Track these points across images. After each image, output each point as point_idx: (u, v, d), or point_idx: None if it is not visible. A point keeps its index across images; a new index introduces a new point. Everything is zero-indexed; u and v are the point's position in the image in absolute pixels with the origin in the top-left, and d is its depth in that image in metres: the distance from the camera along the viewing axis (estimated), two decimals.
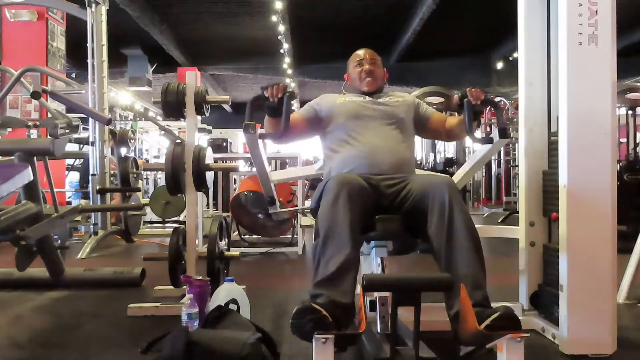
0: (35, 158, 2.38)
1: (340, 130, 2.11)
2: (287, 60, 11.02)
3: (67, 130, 2.55)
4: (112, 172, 4.76)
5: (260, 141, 1.98)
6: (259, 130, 1.94)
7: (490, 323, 1.46)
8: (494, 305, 1.58)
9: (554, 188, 1.95)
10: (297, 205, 4.27)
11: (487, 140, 2.02)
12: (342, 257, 1.60)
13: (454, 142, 8.30)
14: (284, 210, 2.54)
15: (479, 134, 2.04)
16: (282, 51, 10.43)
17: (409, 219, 1.81)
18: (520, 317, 1.49)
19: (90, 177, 4.60)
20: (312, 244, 1.73)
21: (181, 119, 2.63)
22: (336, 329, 1.45)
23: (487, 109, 8.11)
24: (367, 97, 2.19)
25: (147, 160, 9.24)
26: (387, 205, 1.85)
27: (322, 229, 1.67)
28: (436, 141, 8.21)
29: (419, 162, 7.69)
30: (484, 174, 11.00)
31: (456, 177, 2.32)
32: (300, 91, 13.60)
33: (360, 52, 2.27)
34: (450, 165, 6.50)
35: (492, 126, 9.23)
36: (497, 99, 8.12)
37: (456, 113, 2.66)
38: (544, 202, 2.12)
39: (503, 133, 1.95)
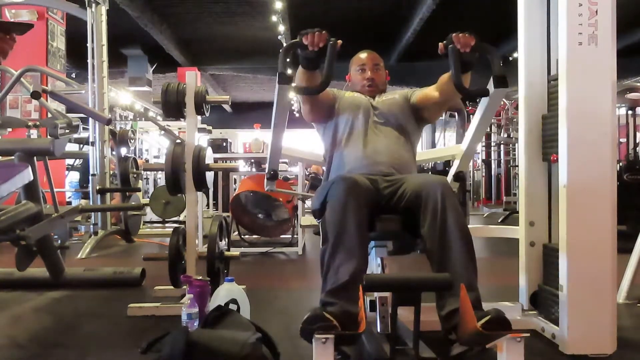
0: (35, 158, 2.38)
1: (342, 127, 2.12)
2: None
3: (67, 130, 2.55)
4: (112, 172, 4.76)
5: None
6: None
7: (482, 326, 1.45)
8: (492, 305, 1.58)
9: (554, 131, 1.93)
10: (296, 206, 4.27)
11: (482, 92, 1.79)
12: (353, 265, 1.59)
13: (454, 142, 8.30)
14: (281, 190, 2.43)
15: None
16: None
17: (407, 218, 1.81)
18: (520, 317, 1.49)
19: (90, 177, 4.60)
20: (321, 248, 1.70)
21: (181, 119, 2.63)
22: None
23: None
24: (369, 98, 2.20)
25: (147, 160, 9.24)
26: (384, 205, 1.85)
27: (331, 234, 1.65)
28: (436, 141, 8.23)
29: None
30: (484, 174, 11.01)
31: (464, 144, 2.29)
32: None
33: (363, 56, 2.26)
34: (449, 165, 6.50)
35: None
36: None
37: None
38: (543, 146, 2.10)
39: (500, 82, 1.69)
